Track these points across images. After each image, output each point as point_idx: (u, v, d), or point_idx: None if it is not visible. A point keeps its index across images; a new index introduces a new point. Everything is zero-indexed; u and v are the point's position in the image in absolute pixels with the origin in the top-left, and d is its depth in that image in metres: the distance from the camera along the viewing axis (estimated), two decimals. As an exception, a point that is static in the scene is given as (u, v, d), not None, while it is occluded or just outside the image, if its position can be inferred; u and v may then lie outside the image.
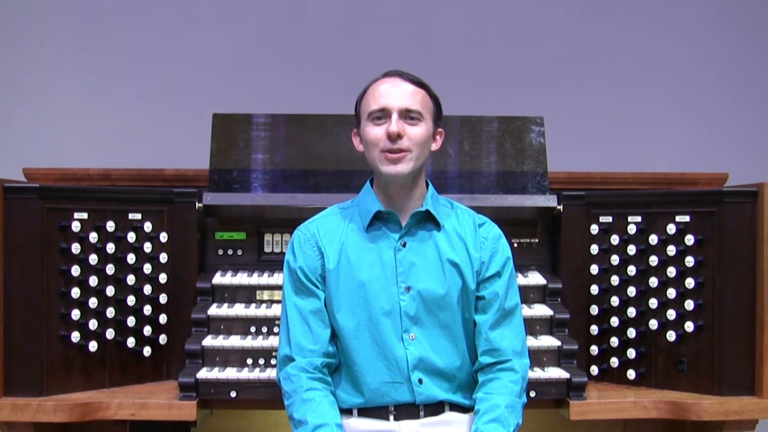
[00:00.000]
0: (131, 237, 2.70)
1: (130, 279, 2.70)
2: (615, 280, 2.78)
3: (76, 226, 2.60)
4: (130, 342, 2.69)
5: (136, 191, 2.79)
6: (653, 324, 2.72)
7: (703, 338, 2.65)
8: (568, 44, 3.96)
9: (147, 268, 2.74)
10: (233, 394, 2.54)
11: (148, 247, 2.74)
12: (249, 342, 2.63)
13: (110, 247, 2.66)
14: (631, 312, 2.75)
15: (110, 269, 2.66)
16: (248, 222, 2.92)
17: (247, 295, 2.79)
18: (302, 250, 2.15)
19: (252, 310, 2.70)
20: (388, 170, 2.07)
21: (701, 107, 3.96)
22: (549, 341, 2.68)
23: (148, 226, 2.74)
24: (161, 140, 3.76)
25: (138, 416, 2.52)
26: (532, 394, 2.54)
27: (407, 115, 2.07)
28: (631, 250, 2.76)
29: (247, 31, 3.89)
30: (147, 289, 2.74)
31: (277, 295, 2.75)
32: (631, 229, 2.77)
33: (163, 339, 2.76)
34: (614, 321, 2.77)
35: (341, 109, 2.93)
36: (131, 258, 2.70)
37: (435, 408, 2.10)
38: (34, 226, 2.53)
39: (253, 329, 2.69)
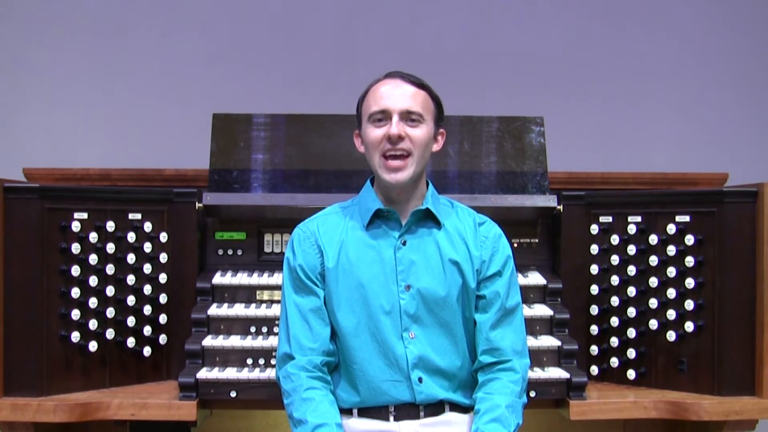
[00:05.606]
0: (131, 237, 2.70)
1: (130, 279, 2.70)
2: (615, 280, 2.77)
3: (76, 226, 2.60)
4: (130, 342, 2.69)
5: (136, 191, 2.79)
6: (653, 324, 2.72)
7: (703, 338, 2.65)
8: (568, 44, 3.96)
9: (147, 268, 2.74)
10: (233, 394, 2.54)
11: (148, 247, 2.74)
12: (249, 342, 2.63)
13: (110, 247, 2.66)
14: (631, 312, 2.74)
15: (110, 269, 2.66)
16: (248, 222, 2.91)
17: (247, 295, 2.79)
18: (302, 248, 2.15)
19: (252, 310, 2.70)
20: (387, 178, 2.07)
21: (701, 107, 3.96)
22: (549, 341, 2.68)
23: (148, 226, 2.74)
24: (161, 140, 3.76)
25: (138, 416, 2.52)
26: (532, 394, 2.54)
27: (408, 116, 2.07)
28: (631, 250, 2.76)
29: (247, 31, 3.89)
30: (147, 289, 2.73)
31: (277, 295, 2.75)
32: (631, 229, 2.77)
33: (163, 339, 2.76)
34: (614, 321, 2.77)
35: (341, 109, 2.94)
36: (131, 258, 2.70)
37: (435, 408, 2.10)
38: (34, 226, 2.53)
39: (253, 329, 2.69)
